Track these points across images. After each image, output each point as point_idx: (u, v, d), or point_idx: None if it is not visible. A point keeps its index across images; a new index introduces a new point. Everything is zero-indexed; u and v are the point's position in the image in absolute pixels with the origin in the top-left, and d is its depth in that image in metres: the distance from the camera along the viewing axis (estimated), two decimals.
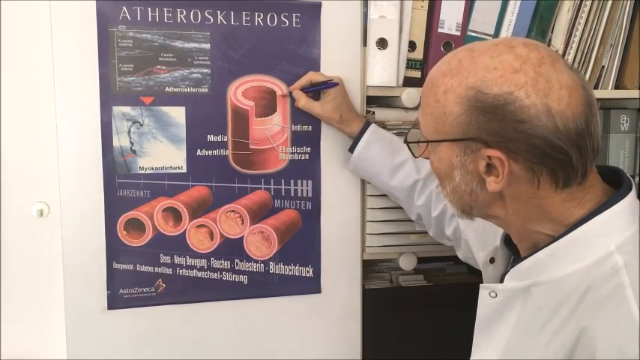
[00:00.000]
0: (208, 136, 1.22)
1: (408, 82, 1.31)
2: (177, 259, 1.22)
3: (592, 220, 0.72)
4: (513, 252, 0.87)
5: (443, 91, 0.74)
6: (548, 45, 1.34)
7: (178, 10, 1.17)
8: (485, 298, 0.83)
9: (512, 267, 0.82)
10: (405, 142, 0.85)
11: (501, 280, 0.84)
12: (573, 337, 0.69)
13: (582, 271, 0.71)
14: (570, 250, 0.73)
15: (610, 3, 1.33)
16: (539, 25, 1.33)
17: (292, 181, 1.26)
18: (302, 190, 1.27)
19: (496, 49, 0.72)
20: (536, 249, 0.77)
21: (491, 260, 0.88)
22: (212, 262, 1.24)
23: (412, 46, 1.30)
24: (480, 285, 0.85)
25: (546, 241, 0.76)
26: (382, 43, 1.26)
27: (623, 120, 1.41)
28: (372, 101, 1.32)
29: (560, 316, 0.72)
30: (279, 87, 1.24)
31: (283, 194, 1.26)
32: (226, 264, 1.25)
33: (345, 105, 1.22)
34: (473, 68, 0.72)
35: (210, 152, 1.22)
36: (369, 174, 1.24)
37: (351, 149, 1.22)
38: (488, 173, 0.73)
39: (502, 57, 0.70)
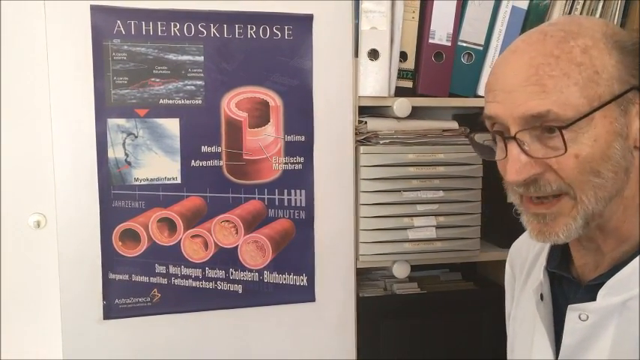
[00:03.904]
0: (202, 147, 1.23)
1: (400, 92, 1.32)
2: (172, 269, 1.24)
3: None
4: (569, 278, 0.77)
5: (581, 52, 0.65)
6: None
7: (172, 23, 1.19)
8: (575, 322, 0.70)
9: (572, 294, 0.74)
10: (560, 129, 0.64)
11: (556, 318, 0.76)
12: None
13: None
14: None
15: (598, 14, 1.35)
16: None
17: (286, 191, 1.28)
18: (295, 199, 1.28)
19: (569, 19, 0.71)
20: (622, 254, 0.70)
21: (542, 297, 0.78)
22: (207, 272, 1.25)
23: (403, 56, 1.32)
24: (569, 306, 0.71)
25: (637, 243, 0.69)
26: (374, 54, 1.28)
27: None
28: (364, 111, 1.33)
29: None
30: (272, 98, 1.25)
31: (277, 204, 1.27)
32: (221, 273, 1.26)
33: None
34: (584, 28, 0.67)
35: (204, 163, 1.23)
36: None
37: None
38: None
39: (589, 19, 0.71)
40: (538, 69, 0.65)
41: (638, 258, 0.68)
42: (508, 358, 0.93)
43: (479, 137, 0.76)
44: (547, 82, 0.64)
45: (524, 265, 0.87)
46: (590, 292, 0.71)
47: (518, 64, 0.67)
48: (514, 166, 0.67)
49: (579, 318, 0.70)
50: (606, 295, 0.69)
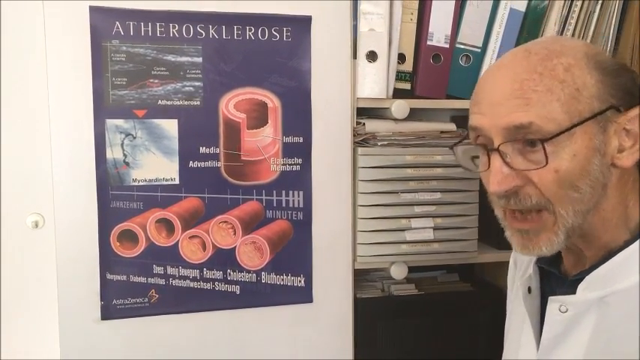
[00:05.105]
0: (200, 148, 1.23)
1: (398, 93, 1.33)
2: (170, 270, 1.24)
3: None
4: (556, 274, 0.80)
5: (563, 70, 0.68)
6: None
7: (171, 24, 1.19)
8: (555, 313, 0.73)
9: (558, 289, 0.76)
10: (542, 141, 0.66)
11: (543, 312, 0.78)
12: None
13: None
14: None
15: (596, 15, 1.35)
16: (527, 37, 1.35)
17: (284, 192, 1.28)
18: (293, 200, 1.28)
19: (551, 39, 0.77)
20: (601, 258, 0.72)
21: (529, 290, 0.81)
22: (205, 273, 1.25)
23: (402, 58, 1.32)
24: (550, 298, 0.75)
25: (619, 244, 0.72)
26: (372, 56, 1.28)
27: None
28: (362, 113, 1.33)
29: None
30: (270, 99, 1.26)
31: (275, 205, 1.28)
32: (219, 274, 1.26)
33: None
34: (566, 47, 0.70)
35: (202, 164, 1.24)
36: None
37: None
38: (621, 148, 0.69)
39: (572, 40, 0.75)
40: (522, 84, 0.68)
41: (617, 256, 0.71)
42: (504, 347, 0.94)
43: (462, 149, 0.79)
44: (531, 96, 0.67)
45: (524, 261, 0.90)
46: (572, 287, 0.74)
47: (503, 79, 0.70)
48: (496, 177, 0.69)
49: (559, 310, 0.73)
50: (586, 289, 0.71)
